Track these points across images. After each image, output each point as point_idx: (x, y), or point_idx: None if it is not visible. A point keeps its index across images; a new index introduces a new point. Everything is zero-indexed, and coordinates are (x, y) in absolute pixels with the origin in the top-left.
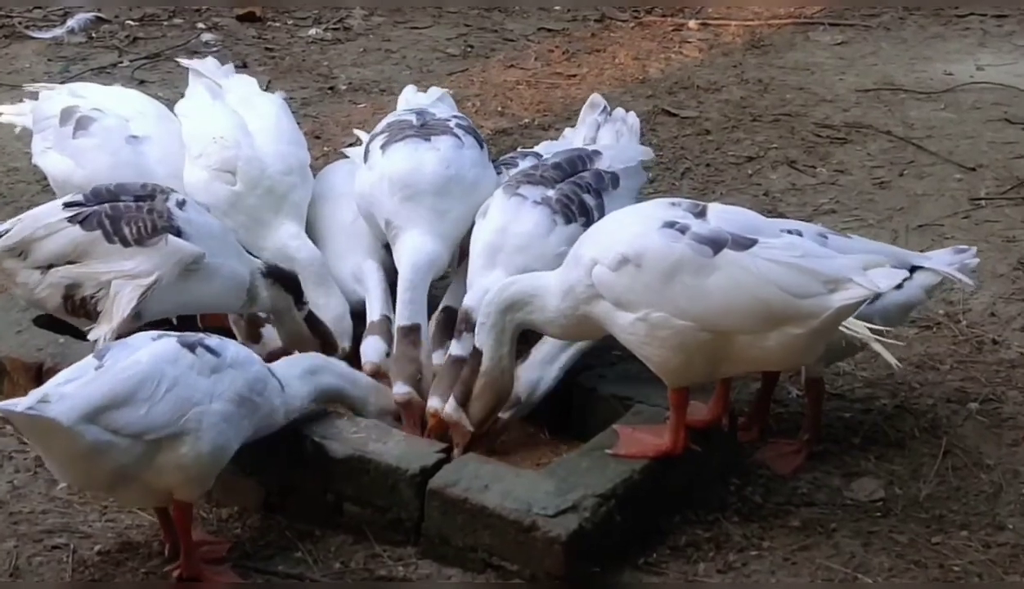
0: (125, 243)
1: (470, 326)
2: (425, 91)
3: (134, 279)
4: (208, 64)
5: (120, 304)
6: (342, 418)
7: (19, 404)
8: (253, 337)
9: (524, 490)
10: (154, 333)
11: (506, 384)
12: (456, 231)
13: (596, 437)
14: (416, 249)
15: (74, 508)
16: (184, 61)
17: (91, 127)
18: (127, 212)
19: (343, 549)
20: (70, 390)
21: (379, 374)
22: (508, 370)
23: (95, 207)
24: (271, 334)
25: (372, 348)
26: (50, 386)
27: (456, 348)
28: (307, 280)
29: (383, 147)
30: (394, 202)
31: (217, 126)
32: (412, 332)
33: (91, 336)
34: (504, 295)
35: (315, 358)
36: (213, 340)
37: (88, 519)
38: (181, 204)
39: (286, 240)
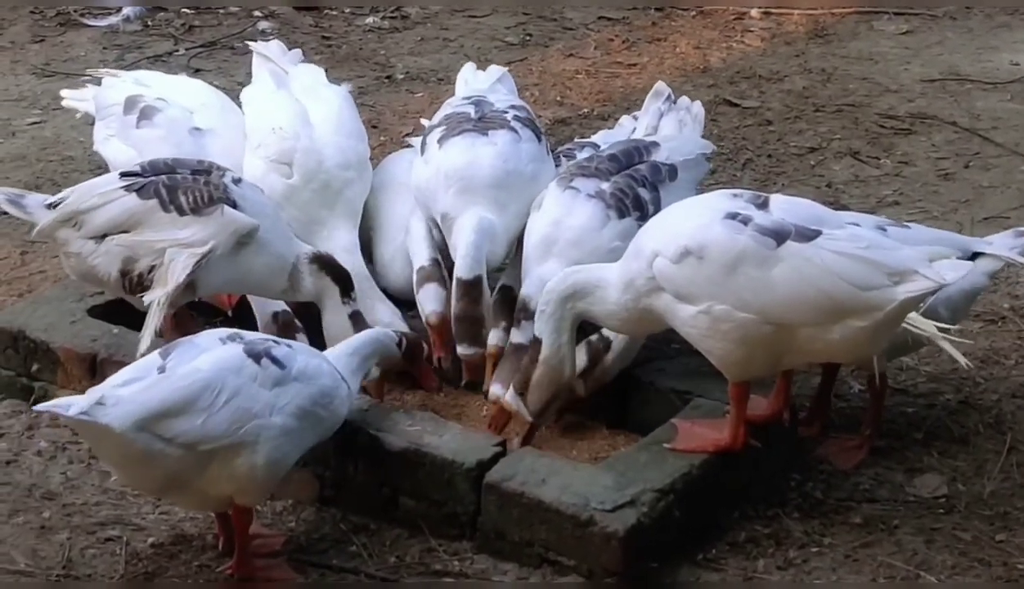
0: (181, 212)
1: (529, 314)
2: (484, 70)
3: (189, 248)
4: (273, 48)
5: (175, 271)
6: (397, 411)
7: (72, 406)
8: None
9: (581, 484)
10: (223, 333)
11: (565, 373)
12: (514, 222)
13: (655, 431)
14: (473, 215)
15: (127, 500)
16: (251, 44)
17: (155, 118)
18: (184, 183)
19: (398, 543)
20: (127, 394)
21: (445, 322)
22: (568, 358)
23: (152, 177)
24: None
25: (432, 297)
26: (108, 386)
27: (516, 336)
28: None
29: (440, 141)
30: (450, 195)
31: (278, 116)
32: (473, 287)
33: (145, 300)
34: (565, 284)
35: (375, 343)
36: (281, 350)
37: (141, 511)
38: (237, 181)
39: (338, 252)
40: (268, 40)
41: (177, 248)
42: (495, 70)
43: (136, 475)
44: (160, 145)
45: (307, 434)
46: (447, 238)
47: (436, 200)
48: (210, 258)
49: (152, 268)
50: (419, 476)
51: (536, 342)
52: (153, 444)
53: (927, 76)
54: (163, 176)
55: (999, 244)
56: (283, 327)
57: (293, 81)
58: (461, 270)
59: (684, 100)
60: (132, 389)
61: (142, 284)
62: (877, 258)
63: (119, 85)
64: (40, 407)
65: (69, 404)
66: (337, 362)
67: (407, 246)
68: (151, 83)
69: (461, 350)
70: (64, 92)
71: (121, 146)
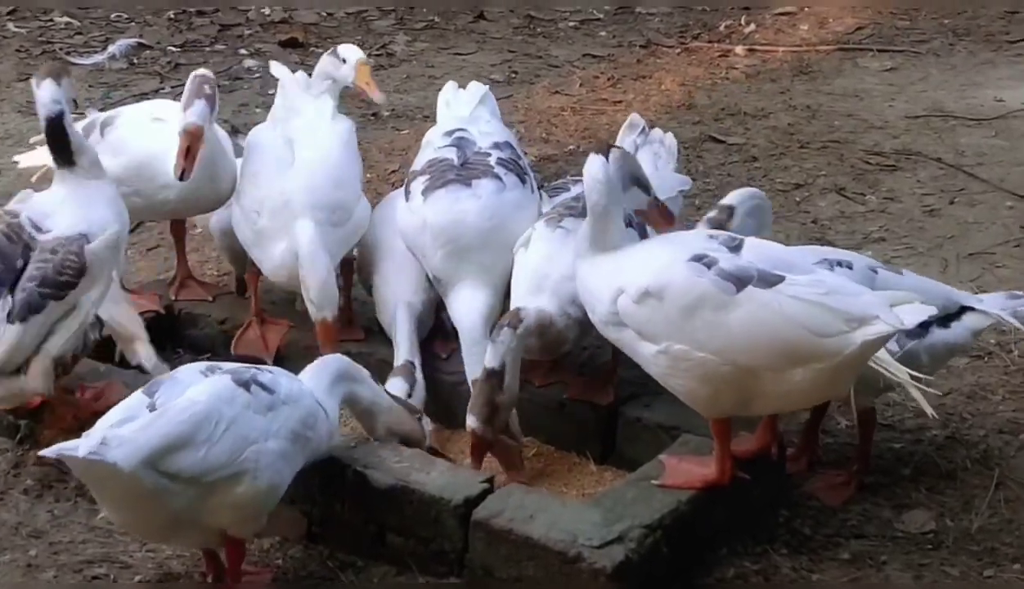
0: (65, 287)
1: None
2: (464, 87)
3: (98, 296)
4: (299, 78)
5: (133, 322)
6: (385, 448)
7: (79, 448)
8: None
9: (569, 521)
10: (201, 366)
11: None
12: (503, 277)
13: (642, 467)
14: (470, 306)
15: (114, 538)
16: (274, 68)
17: (116, 121)
18: (32, 272)
19: (386, 580)
20: (128, 434)
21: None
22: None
23: (10, 299)
24: None
25: (394, 387)
26: (105, 428)
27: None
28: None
29: (424, 193)
30: (439, 257)
31: (260, 160)
32: (494, 375)
33: (135, 362)
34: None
35: (342, 363)
36: (266, 376)
37: (128, 549)
38: (37, 226)
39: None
40: (254, 78)
41: (117, 315)
42: (476, 89)
43: (139, 515)
44: (130, 140)
45: (298, 457)
46: (443, 298)
47: (426, 257)
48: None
49: (79, 345)
50: (406, 513)
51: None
52: (158, 481)
53: (912, 113)
54: (8, 290)
55: (989, 303)
56: None
57: (299, 115)
58: (474, 372)
59: (657, 132)
60: (131, 428)
61: (76, 361)
62: (836, 305)
63: (81, 123)
64: (46, 452)
65: (76, 446)
66: (308, 383)
67: (391, 328)
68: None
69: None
70: (17, 157)
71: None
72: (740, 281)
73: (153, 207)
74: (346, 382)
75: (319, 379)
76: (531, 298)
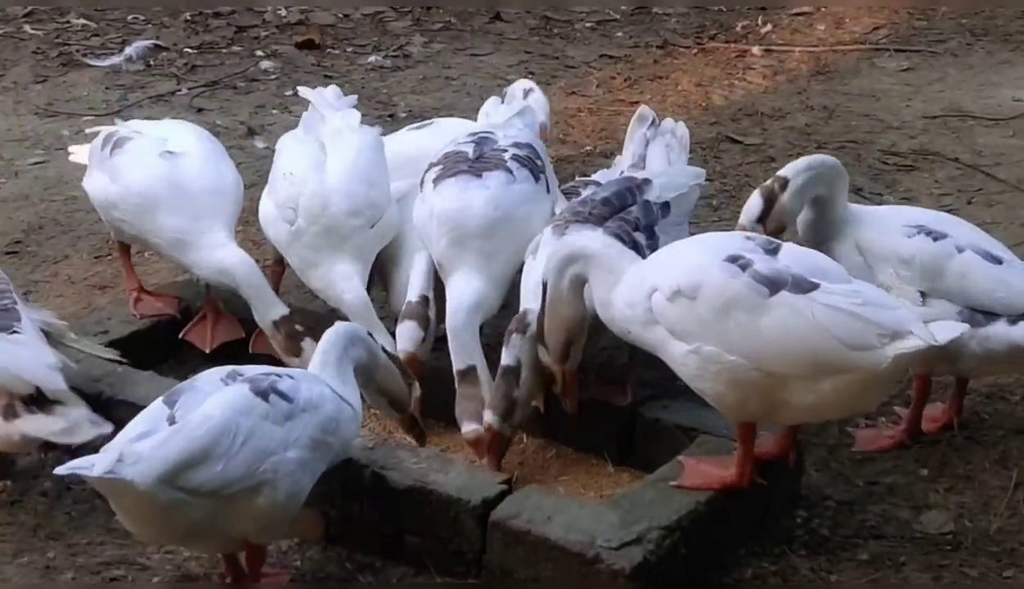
0: None
1: (522, 328)
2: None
3: None
4: (328, 93)
5: None
6: (403, 448)
7: (95, 466)
8: (293, 351)
9: (587, 522)
10: (222, 372)
11: (565, 314)
12: (505, 271)
13: (660, 468)
14: (461, 291)
15: (132, 540)
16: (301, 90)
17: (126, 145)
18: None
19: (404, 581)
20: (145, 450)
21: (415, 361)
22: (567, 302)
23: None
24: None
25: (407, 335)
26: (123, 442)
27: (505, 357)
28: (355, 320)
29: (435, 181)
30: (442, 244)
31: (293, 162)
32: (466, 375)
33: None
34: (590, 249)
35: (341, 338)
36: (285, 384)
37: (146, 551)
38: None
39: (336, 279)
40: (271, 80)
41: None
42: (517, 106)
43: (158, 528)
44: (131, 169)
45: (320, 463)
46: (444, 285)
47: (431, 244)
48: None
49: None
50: (424, 514)
51: (514, 370)
52: (176, 496)
53: (929, 113)
54: None
55: None
56: (288, 336)
57: (326, 126)
58: (455, 362)
59: (668, 122)
60: (149, 444)
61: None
62: (870, 316)
63: (105, 131)
64: (62, 469)
65: (92, 464)
66: (323, 376)
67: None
68: (136, 126)
69: (463, 428)
70: (72, 148)
71: (98, 175)
72: (774, 285)
73: (144, 239)
74: (352, 353)
75: (336, 369)
76: (537, 304)
